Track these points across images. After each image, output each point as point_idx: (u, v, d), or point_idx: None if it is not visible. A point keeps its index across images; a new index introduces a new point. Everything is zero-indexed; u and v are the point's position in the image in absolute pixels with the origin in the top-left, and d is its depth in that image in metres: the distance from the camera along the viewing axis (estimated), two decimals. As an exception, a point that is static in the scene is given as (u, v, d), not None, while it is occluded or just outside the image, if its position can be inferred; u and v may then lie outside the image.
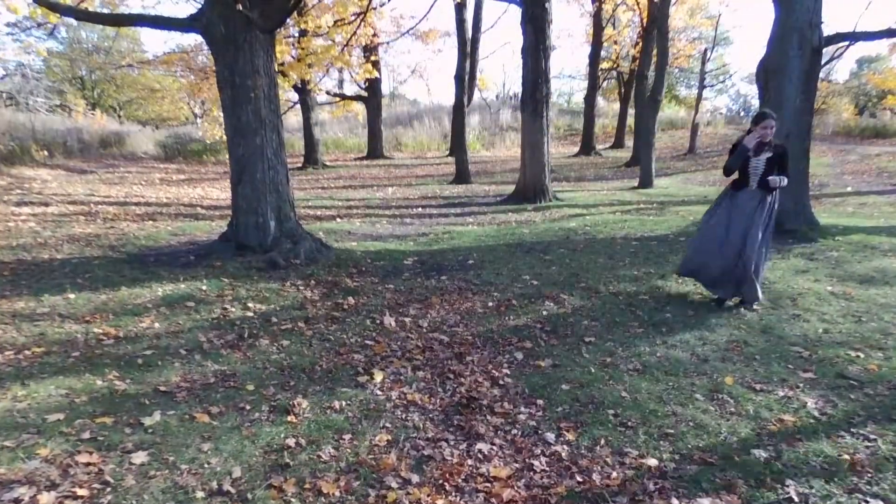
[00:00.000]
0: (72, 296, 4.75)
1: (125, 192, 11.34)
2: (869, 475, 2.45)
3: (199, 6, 5.71)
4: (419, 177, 16.38)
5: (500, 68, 60.95)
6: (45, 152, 16.38)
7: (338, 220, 9.26)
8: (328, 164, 19.24)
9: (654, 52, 14.17)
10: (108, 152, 19.64)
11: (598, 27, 21.63)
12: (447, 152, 22.03)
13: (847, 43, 8.48)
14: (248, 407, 3.15)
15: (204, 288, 5.11)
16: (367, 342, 4.12)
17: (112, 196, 10.60)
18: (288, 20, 12.89)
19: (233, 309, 4.68)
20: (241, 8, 5.42)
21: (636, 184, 13.69)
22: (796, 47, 7.04)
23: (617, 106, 26.21)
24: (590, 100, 21.94)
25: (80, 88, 30.21)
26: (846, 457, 2.58)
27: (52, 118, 20.62)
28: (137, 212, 8.95)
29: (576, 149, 22.61)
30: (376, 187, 14.10)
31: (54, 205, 9.04)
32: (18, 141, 16.01)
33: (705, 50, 22.66)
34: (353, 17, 11.12)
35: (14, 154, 15.20)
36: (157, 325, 4.28)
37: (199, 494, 2.38)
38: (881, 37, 7.09)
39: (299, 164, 18.57)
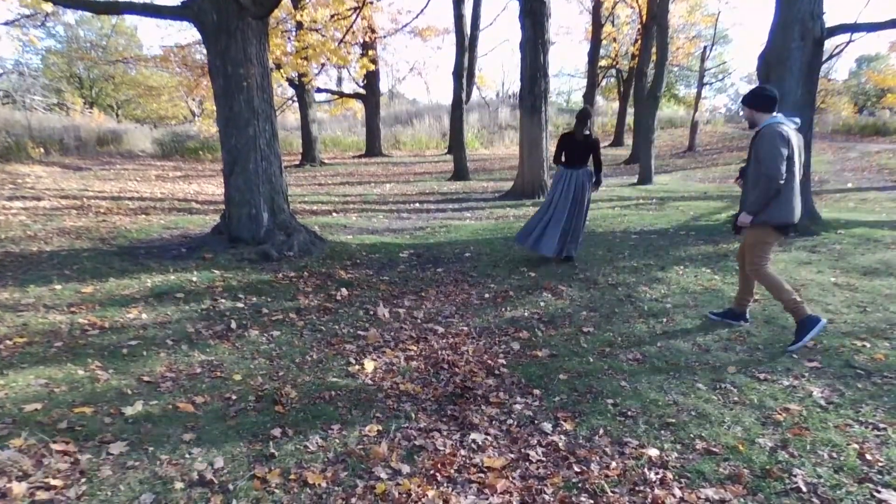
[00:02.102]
0: (58, 287, 4.64)
1: (119, 188, 11.22)
2: (880, 464, 2.34)
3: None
4: (417, 174, 16.26)
5: (500, 67, 60.86)
6: (41, 149, 16.26)
7: (334, 214, 9.15)
8: (326, 161, 19.12)
9: (654, 48, 14.08)
10: (104, 150, 19.53)
11: (597, 24, 21.54)
12: (446, 150, 21.92)
13: (849, 36, 8.37)
14: (234, 397, 3.04)
15: (194, 279, 5.00)
16: (360, 333, 4.01)
17: (106, 191, 10.48)
18: (285, 15, 12.82)
19: (223, 300, 4.57)
20: (232, -6, 5.31)
21: (635, 180, 13.59)
22: (798, 38, 6.93)
23: (616, 104, 26.12)
24: (589, 98, 21.86)
25: (77, 87, 30.08)
26: (855, 446, 2.47)
27: (49, 116, 20.49)
28: (131, 206, 8.83)
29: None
30: (374, 184, 13.98)
31: (46, 199, 8.92)
32: (14, 138, 15.91)
33: (704, 48, 22.56)
34: (349, 12, 11.03)
35: (9, 151, 15.10)
36: (144, 315, 4.17)
37: (178, 485, 2.28)
38: (886, 27, 6.97)
39: (297, 162, 18.45)
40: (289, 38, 12.70)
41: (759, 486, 2.25)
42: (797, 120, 3.62)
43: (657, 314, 4.26)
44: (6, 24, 14.18)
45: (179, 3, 5.72)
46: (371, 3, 13.02)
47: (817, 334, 3.52)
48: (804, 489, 2.21)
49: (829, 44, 8.29)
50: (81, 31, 29.61)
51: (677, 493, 2.24)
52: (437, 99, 47.68)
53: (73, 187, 10.81)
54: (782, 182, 3.43)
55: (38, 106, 20.76)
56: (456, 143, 15.35)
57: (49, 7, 6.40)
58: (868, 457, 2.39)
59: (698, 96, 21.80)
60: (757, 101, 3.59)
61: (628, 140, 21.47)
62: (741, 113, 4.19)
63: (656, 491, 2.25)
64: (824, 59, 9.22)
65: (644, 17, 16.83)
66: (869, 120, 22.57)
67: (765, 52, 7.41)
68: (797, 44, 6.92)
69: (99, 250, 5.88)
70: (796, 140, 3.50)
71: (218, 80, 5.71)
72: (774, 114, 3.56)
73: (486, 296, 4.87)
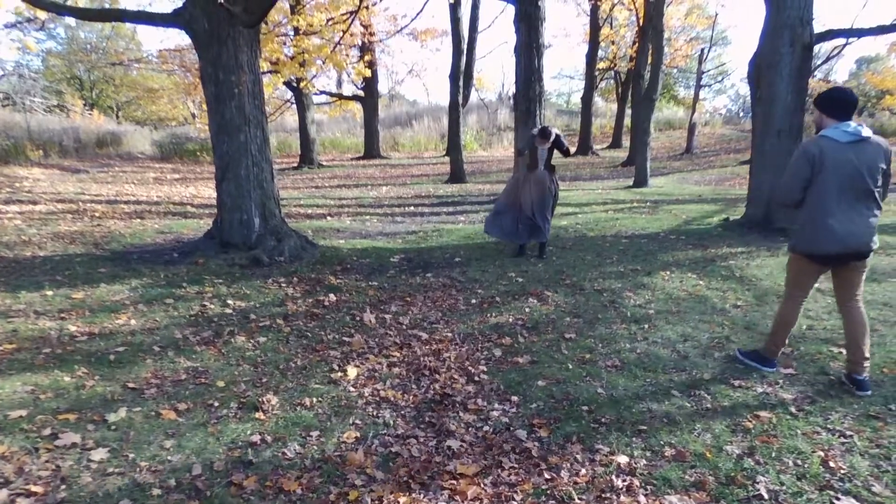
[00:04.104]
0: (49, 293, 4.70)
1: (116, 191, 11.30)
2: (842, 472, 2.39)
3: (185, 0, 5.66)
4: (414, 176, 16.33)
5: (500, 69, 60.65)
6: (41, 152, 16.36)
7: (328, 218, 9.21)
8: (324, 163, 19.20)
9: (651, 50, 14.11)
10: (103, 152, 19.63)
11: (594, 26, 21.60)
12: (444, 152, 21.98)
13: (843, 41, 8.41)
14: (216, 404, 3.09)
15: (184, 285, 5.06)
16: (345, 339, 4.07)
17: (102, 195, 10.56)
18: (283, 19, 12.89)
19: (211, 306, 4.62)
20: (223, 2, 5.37)
21: (631, 183, 13.63)
22: (787, 44, 6.98)
23: (615, 106, 26.17)
24: (587, 100, 21.88)
25: (78, 89, 30.20)
26: (820, 453, 2.52)
27: (48, 118, 20.59)
28: (126, 210, 8.90)
29: (573, 149, 22.55)
30: (370, 186, 14.05)
31: (43, 203, 8.99)
32: (13, 140, 16.01)
33: (702, 50, 22.60)
34: (345, 16, 11.09)
35: (8, 153, 15.19)
36: (133, 321, 4.23)
37: (156, 492, 2.33)
38: (873, 33, 7.02)
39: (295, 164, 18.52)
40: (285, 43, 12.77)
41: (722, 493, 2.30)
42: (860, 129, 2.99)
43: (639, 320, 4.31)
44: (7, 26, 14.28)
45: (171, 11, 5.79)
46: (367, 6, 13.08)
47: (756, 368, 3.41)
48: (766, 496, 2.26)
49: (828, 45, 8.35)
50: (82, 33, 29.76)
51: (642, 499, 2.29)
52: (436, 100, 47.81)
53: (70, 190, 10.89)
54: (789, 203, 3.20)
55: (38, 108, 20.85)
56: (452, 146, 15.41)
57: (45, 15, 6.47)
58: (832, 464, 2.44)
59: (696, 98, 21.85)
60: (824, 104, 3.12)
61: (626, 142, 21.53)
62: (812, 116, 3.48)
63: (622, 498, 2.30)
64: (823, 61, 9.28)
65: (641, 20, 16.88)
66: (867, 122, 22.57)
67: (755, 56, 7.46)
68: (787, 49, 6.96)
69: (92, 255, 5.95)
70: (851, 156, 2.96)
71: (210, 87, 5.78)
72: (842, 122, 3.03)
73: (473, 301, 4.92)
